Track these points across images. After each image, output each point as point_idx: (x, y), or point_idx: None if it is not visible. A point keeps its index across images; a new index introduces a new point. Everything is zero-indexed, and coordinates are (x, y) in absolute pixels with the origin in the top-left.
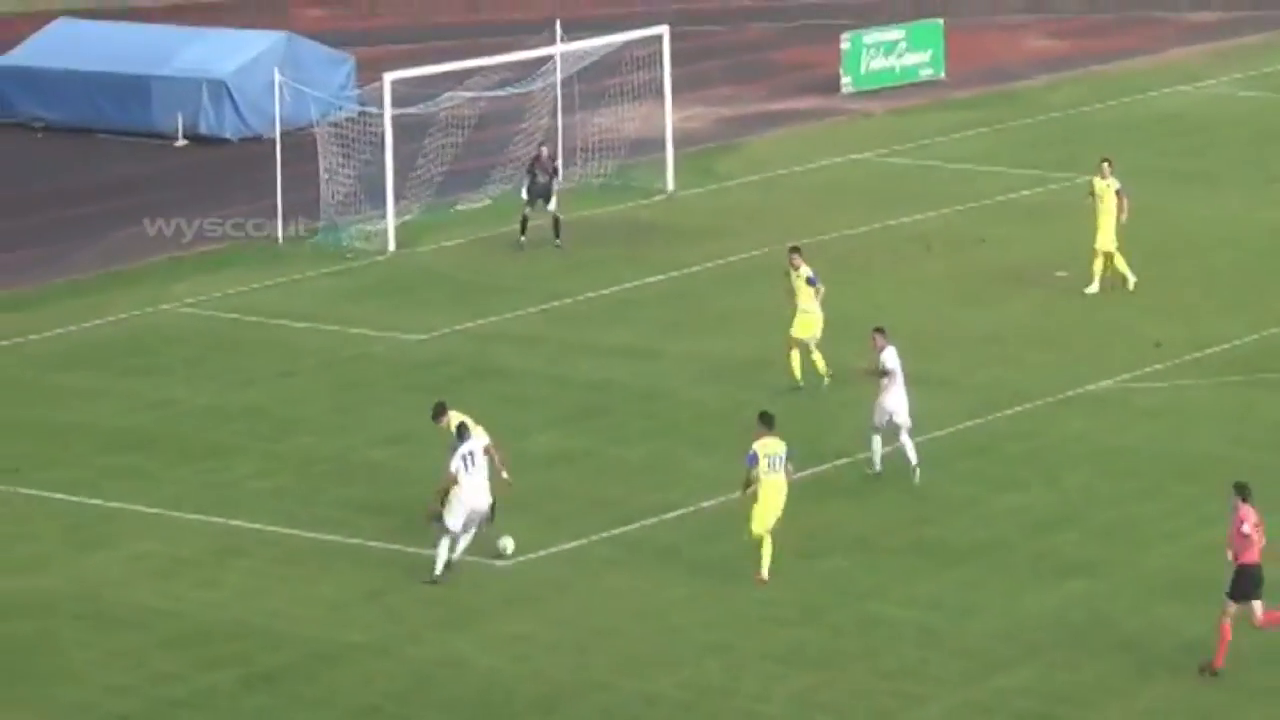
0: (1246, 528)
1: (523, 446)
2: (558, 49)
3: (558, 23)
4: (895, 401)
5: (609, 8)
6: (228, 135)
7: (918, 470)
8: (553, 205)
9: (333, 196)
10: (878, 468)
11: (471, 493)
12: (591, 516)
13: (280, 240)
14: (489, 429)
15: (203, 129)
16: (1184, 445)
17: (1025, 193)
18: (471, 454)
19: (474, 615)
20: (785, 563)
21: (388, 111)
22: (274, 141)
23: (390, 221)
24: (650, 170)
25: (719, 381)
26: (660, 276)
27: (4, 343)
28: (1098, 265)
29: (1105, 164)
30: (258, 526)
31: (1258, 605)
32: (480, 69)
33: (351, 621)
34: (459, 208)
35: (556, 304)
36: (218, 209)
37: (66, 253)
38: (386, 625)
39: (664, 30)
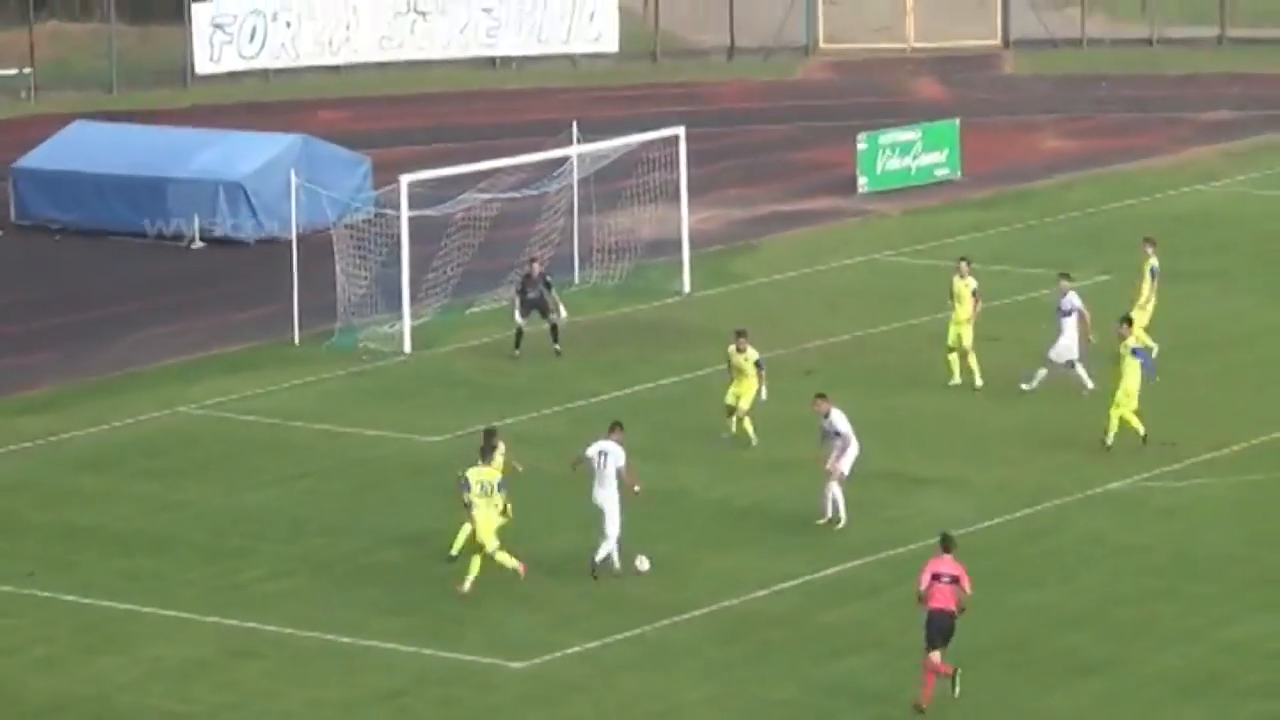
0: (926, 579)
1: (540, 547)
2: (574, 150)
3: (574, 124)
4: (849, 463)
5: (625, 109)
6: (244, 237)
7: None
8: (553, 316)
9: (349, 298)
10: (828, 515)
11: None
12: (608, 616)
13: (297, 342)
14: (504, 531)
15: (219, 231)
16: (1201, 544)
17: (1041, 293)
18: (604, 454)
19: (491, 716)
20: (801, 664)
21: (404, 213)
22: (290, 243)
23: (406, 323)
24: (666, 271)
25: (734, 482)
26: (676, 378)
27: (20, 445)
28: (953, 361)
29: (963, 263)
30: (272, 628)
31: (936, 655)
32: (497, 170)
33: None
34: (474, 309)
35: (572, 405)
36: (235, 311)
37: (83, 355)
38: None
39: (680, 131)
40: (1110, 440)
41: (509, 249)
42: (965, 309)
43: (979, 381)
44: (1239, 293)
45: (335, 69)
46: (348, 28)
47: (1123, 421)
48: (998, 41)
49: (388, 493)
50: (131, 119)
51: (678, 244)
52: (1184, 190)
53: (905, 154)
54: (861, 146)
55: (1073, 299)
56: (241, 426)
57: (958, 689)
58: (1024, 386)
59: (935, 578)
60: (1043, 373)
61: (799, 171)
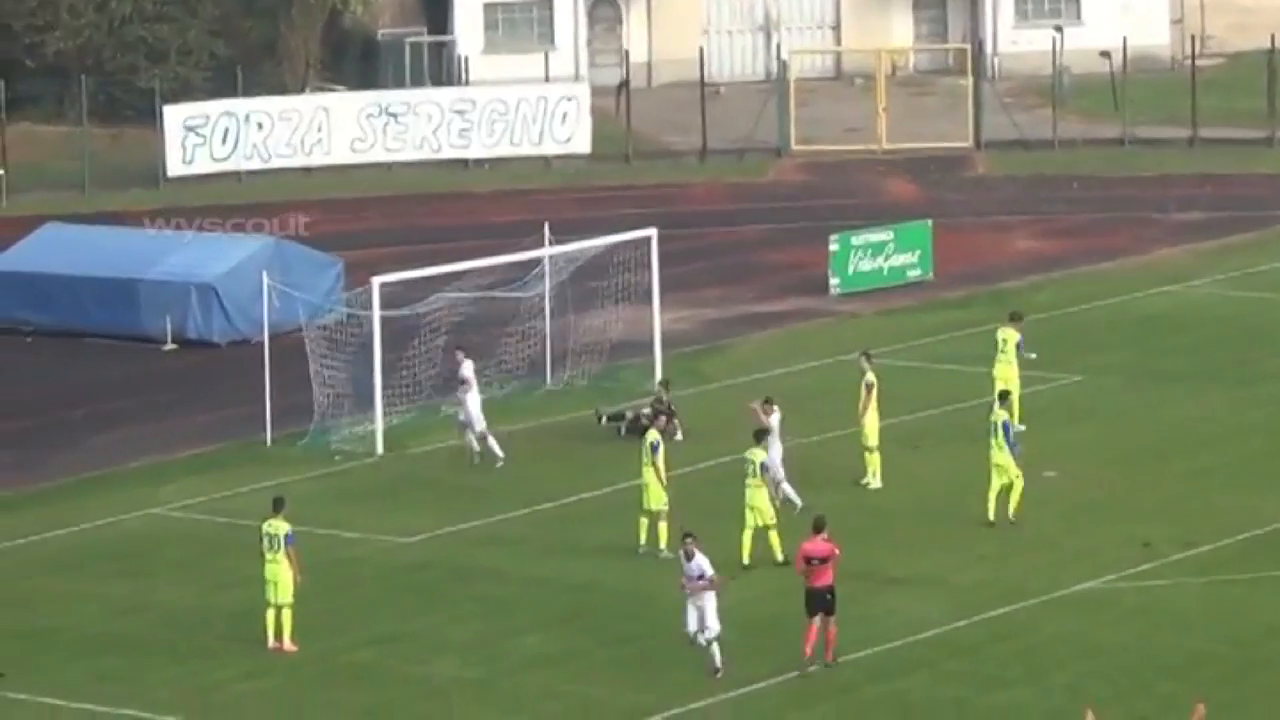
0: (800, 563)
1: (509, 648)
2: (547, 251)
3: (546, 225)
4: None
5: (598, 210)
6: (216, 339)
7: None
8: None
9: (322, 399)
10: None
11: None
12: (581, 718)
13: (269, 443)
14: (475, 631)
15: (191, 332)
16: (1174, 644)
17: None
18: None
19: None
20: None
21: (376, 315)
22: (262, 345)
23: (379, 424)
24: (639, 372)
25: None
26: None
27: None
28: (875, 461)
29: (864, 357)
30: None
31: (825, 620)
32: (470, 270)
33: None
34: (446, 411)
35: (543, 507)
36: (206, 412)
37: (52, 455)
38: None
39: (652, 232)
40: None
41: (481, 350)
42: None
43: (877, 482)
44: (1210, 393)
45: (307, 170)
46: (320, 129)
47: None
48: (969, 143)
49: (360, 593)
50: (104, 220)
51: (650, 344)
52: (1155, 291)
53: (878, 254)
54: (834, 247)
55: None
56: (213, 528)
57: (833, 659)
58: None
59: (808, 560)
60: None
61: (771, 272)
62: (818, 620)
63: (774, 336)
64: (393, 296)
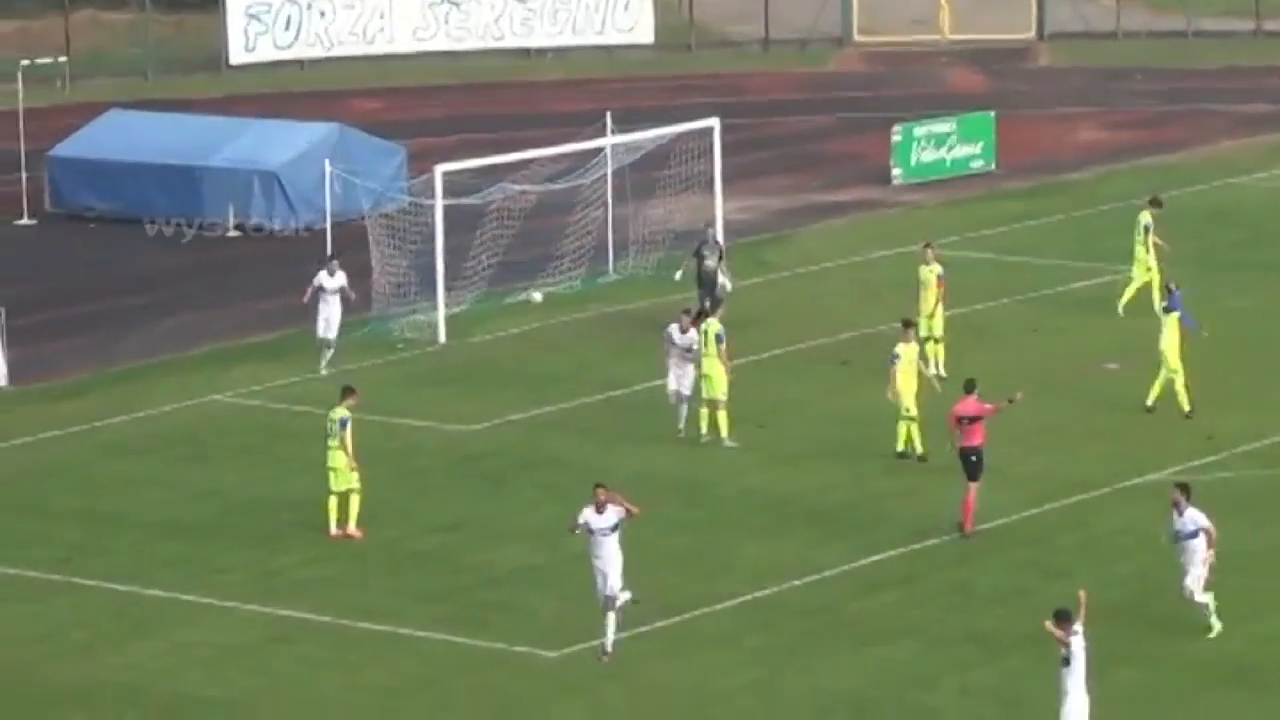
0: (953, 422)
1: (573, 536)
2: (608, 141)
3: (608, 115)
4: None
5: (660, 100)
6: (278, 226)
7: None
8: (718, 291)
9: (384, 287)
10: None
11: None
12: (640, 607)
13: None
14: (537, 518)
15: (253, 220)
16: (1238, 535)
17: (1076, 285)
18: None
19: (524, 706)
20: (837, 652)
21: (439, 203)
22: (325, 232)
23: (441, 312)
24: None
25: (767, 471)
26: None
27: (55, 432)
28: (940, 352)
29: (928, 249)
30: (307, 616)
31: (969, 485)
32: (531, 160)
33: (401, 711)
34: (509, 299)
35: (607, 395)
36: (268, 299)
37: (116, 342)
38: (436, 715)
39: (715, 122)
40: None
41: (543, 239)
42: (932, 296)
43: (943, 373)
44: (1275, 285)
45: (370, 58)
46: (382, 17)
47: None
48: (1033, 34)
49: (424, 481)
50: (166, 107)
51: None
52: (1220, 183)
53: (940, 145)
54: (896, 138)
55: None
56: (275, 415)
57: (971, 528)
58: None
59: (959, 420)
60: None
61: (834, 162)
62: (974, 487)
63: (837, 226)
64: (455, 185)
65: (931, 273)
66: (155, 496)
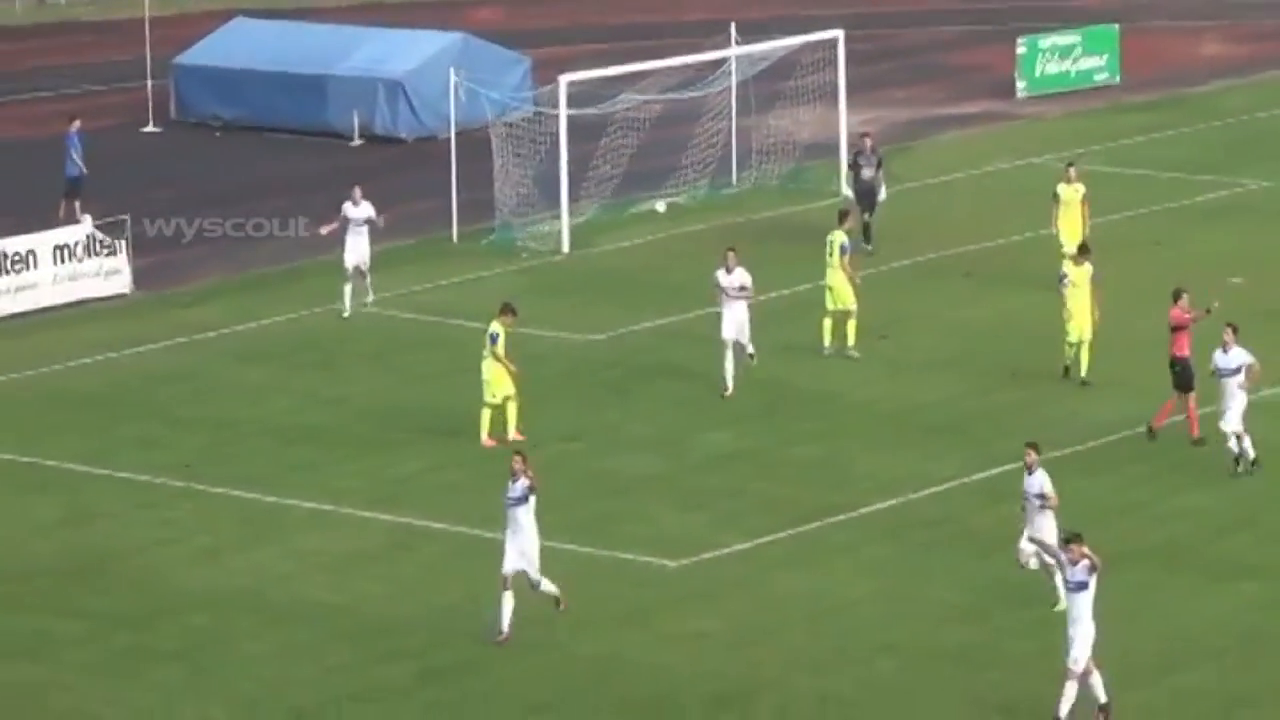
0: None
1: (695, 444)
2: (733, 51)
3: (733, 25)
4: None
5: (784, 9)
6: (403, 135)
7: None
8: (877, 195)
9: (508, 196)
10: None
11: None
12: (765, 516)
13: (455, 239)
14: (661, 427)
15: (378, 128)
16: None
17: (1200, 198)
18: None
19: (647, 613)
20: (957, 563)
21: (563, 112)
22: (449, 141)
23: (565, 222)
24: (824, 172)
25: (891, 382)
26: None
27: (179, 339)
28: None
29: (1070, 168)
30: (429, 523)
31: (1183, 397)
32: (655, 70)
33: (524, 617)
34: (633, 209)
35: None
36: (392, 208)
37: (242, 250)
38: (562, 622)
39: (839, 34)
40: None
41: (668, 149)
42: (1075, 215)
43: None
44: None
45: None
46: None
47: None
48: None
49: (545, 389)
50: (292, 16)
51: (837, 146)
52: None
53: (1065, 57)
54: (1021, 50)
55: None
56: (400, 322)
57: (1198, 435)
58: None
59: (1173, 329)
60: None
61: (958, 74)
62: (1175, 396)
63: (961, 137)
64: (579, 95)
65: (1075, 192)
66: (279, 404)
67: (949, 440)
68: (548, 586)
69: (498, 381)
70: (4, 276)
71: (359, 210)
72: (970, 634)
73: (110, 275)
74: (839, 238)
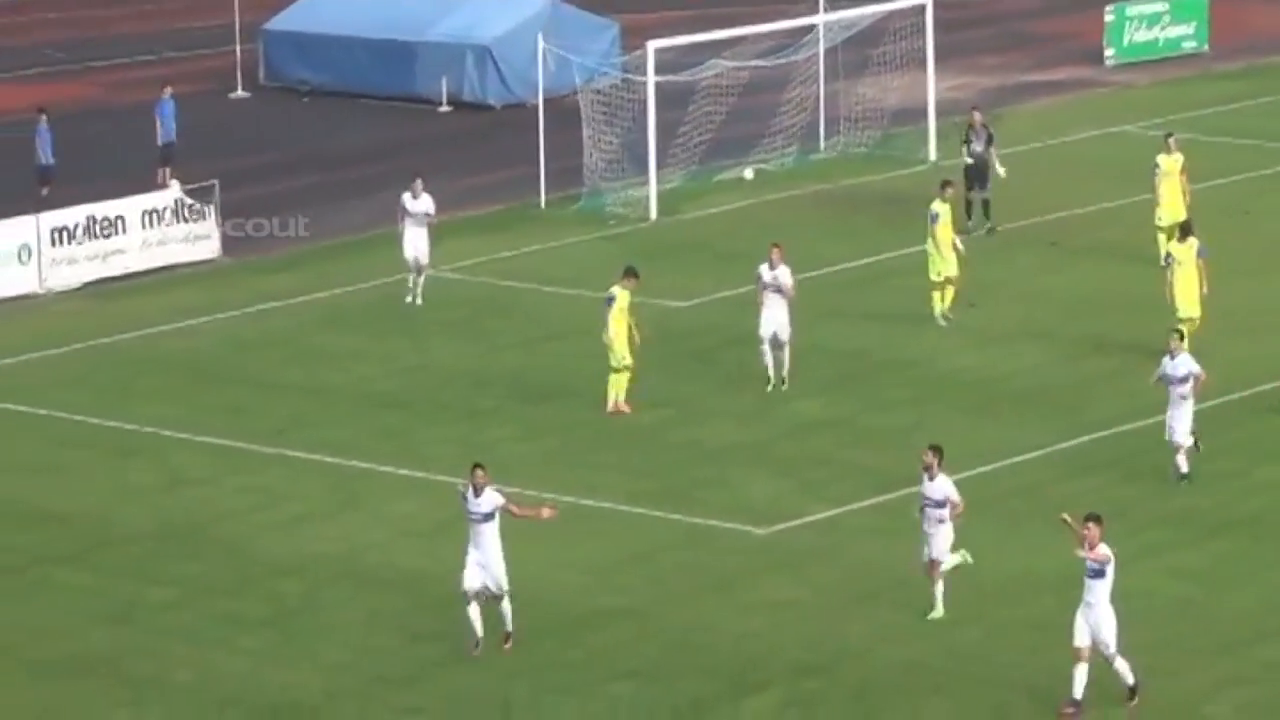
0: None
1: (783, 413)
2: (820, 18)
3: None
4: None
5: None
6: (491, 101)
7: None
8: (992, 173)
9: (596, 163)
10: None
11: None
12: (851, 484)
13: (543, 205)
14: (746, 395)
15: (466, 95)
16: None
17: None
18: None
19: (734, 581)
20: (1043, 533)
21: (651, 79)
22: (537, 108)
23: (653, 188)
24: (913, 140)
25: (978, 351)
26: (919, 247)
27: (269, 305)
28: (1163, 240)
29: (1170, 138)
30: (518, 490)
31: None
32: (744, 37)
33: (612, 585)
34: (721, 176)
35: (817, 273)
36: (480, 174)
37: (331, 215)
38: (648, 589)
39: (928, 0)
40: None
41: (755, 116)
42: (1174, 186)
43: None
44: None
45: None
46: None
47: None
48: None
49: (638, 357)
50: None
51: (924, 113)
52: None
53: (1153, 25)
54: (1109, 18)
55: None
56: (487, 289)
57: None
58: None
59: None
60: None
61: (1047, 41)
62: None
63: (1050, 105)
64: (667, 61)
65: (1175, 162)
66: (368, 370)
67: (1034, 409)
68: (506, 608)
69: (620, 345)
70: (93, 241)
71: (418, 204)
72: (1058, 604)
73: (198, 240)
74: (933, 207)
